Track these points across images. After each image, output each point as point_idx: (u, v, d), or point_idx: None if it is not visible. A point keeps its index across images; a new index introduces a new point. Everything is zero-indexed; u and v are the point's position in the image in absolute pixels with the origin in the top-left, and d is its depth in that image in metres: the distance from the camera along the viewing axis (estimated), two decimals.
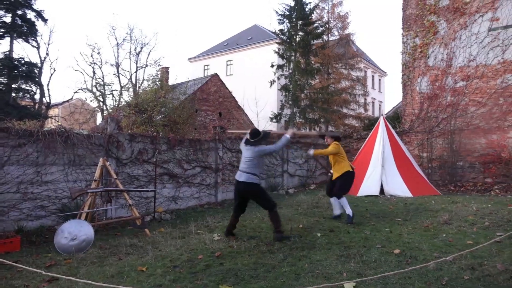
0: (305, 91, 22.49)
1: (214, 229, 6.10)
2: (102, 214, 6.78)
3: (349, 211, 6.28)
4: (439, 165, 12.13)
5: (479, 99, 11.65)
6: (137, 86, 28.68)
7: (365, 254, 4.43)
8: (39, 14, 23.09)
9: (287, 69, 22.40)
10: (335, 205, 6.67)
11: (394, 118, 16.39)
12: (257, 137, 5.16)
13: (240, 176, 5.04)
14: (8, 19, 21.84)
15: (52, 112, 27.51)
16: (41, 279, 3.88)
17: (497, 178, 11.16)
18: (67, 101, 25.82)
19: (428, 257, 4.26)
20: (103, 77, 29.86)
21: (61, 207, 6.37)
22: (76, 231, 4.99)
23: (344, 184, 6.44)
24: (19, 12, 22.12)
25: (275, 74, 22.69)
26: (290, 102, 21.93)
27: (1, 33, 21.65)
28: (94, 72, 28.89)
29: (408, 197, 9.19)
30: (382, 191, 9.75)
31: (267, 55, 28.38)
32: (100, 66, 35.18)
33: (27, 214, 6.00)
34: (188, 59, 39.51)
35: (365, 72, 35.36)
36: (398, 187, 9.65)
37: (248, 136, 5.22)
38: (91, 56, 33.96)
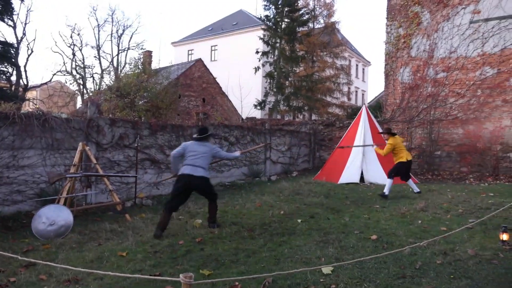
0: (289, 79, 22.50)
1: (195, 215, 6.11)
2: (82, 200, 6.68)
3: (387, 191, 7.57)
4: (418, 154, 12.44)
5: (458, 90, 11.93)
6: (119, 70, 28.05)
7: (343, 240, 4.54)
8: None
9: (272, 56, 22.30)
10: (412, 185, 7.96)
11: (376, 107, 16.62)
12: (206, 133, 5.35)
13: (195, 171, 5.04)
14: None
15: (30, 94, 26.62)
16: (18, 265, 3.82)
17: (472, 167, 11.55)
18: (46, 83, 25.03)
19: (403, 242, 4.40)
20: (83, 60, 29.08)
21: (39, 192, 6.24)
22: (54, 216, 4.91)
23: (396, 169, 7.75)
24: None
25: (259, 60, 22.56)
26: (275, 90, 21.92)
27: None
28: (74, 54, 28.08)
29: None
30: (362, 178, 9.94)
31: (252, 41, 28.11)
32: (80, 48, 34.12)
33: (3, 199, 5.86)
34: (172, 43, 38.77)
35: (349, 61, 35.55)
36: (378, 175, 9.85)
37: (197, 134, 5.42)
38: (71, 37, 32.93)
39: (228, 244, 4.44)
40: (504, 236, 4.19)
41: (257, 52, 22.53)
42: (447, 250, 4.06)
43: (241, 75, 27.15)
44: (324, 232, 4.94)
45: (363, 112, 10.77)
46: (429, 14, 12.47)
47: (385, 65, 13.52)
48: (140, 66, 17.19)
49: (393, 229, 5.00)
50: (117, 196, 5.96)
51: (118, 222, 5.59)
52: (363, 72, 44.03)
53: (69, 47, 28.13)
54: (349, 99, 31.96)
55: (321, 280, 3.30)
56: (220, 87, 22.79)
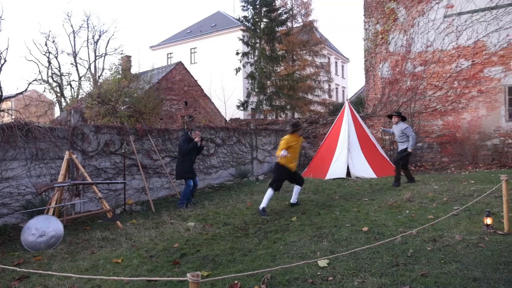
0: (271, 78, 22.60)
1: (187, 218, 6.11)
2: (70, 209, 6.57)
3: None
4: None
5: (436, 82, 12.27)
6: (97, 76, 27.56)
7: (336, 233, 4.63)
8: None
9: (252, 57, 22.36)
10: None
11: (357, 103, 16.90)
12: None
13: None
14: None
15: (5, 105, 25.80)
16: (11, 278, 3.75)
17: (452, 157, 11.90)
18: (21, 93, 24.32)
19: (394, 232, 4.53)
20: (59, 67, 28.41)
21: (25, 204, 6.10)
22: (44, 227, 4.83)
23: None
24: None
25: (240, 61, 22.58)
26: (257, 90, 21.99)
27: None
28: (49, 62, 27.38)
29: (372, 178, 9.61)
30: (348, 173, 10.11)
31: (232, 43, 28.12)
32: (56, 55, 33.30)
33: None
34: (150, 47, 38.32)
35: (329, 58, 35.96)
36: (364, 169, 10.05)
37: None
38: (46, 45, 32.01)
39: (223, 245, 4.47)
40: (488, 220, 4.38)
41: (237, 53, 22.54)
42: (436, 237, 4.20)
43: (223, 76, 27.14)
44: (317, 227, 5.02)
45: (346, 108, 10.95)
46: (405, 10, 12.79)
47: (365, 61, 13.77)
48: (120, 72, 16.94)
49: (383, 220, 5.14)
50: (107, 203, 5.89)
51: (109, 229, 5.54)
52: (343, 69, 44.62)
53: (44, 55, 27.35)
54: (330, 96, 32.35)
55: (318, 273, 3.38)
56: (202, 90, 22.70)
